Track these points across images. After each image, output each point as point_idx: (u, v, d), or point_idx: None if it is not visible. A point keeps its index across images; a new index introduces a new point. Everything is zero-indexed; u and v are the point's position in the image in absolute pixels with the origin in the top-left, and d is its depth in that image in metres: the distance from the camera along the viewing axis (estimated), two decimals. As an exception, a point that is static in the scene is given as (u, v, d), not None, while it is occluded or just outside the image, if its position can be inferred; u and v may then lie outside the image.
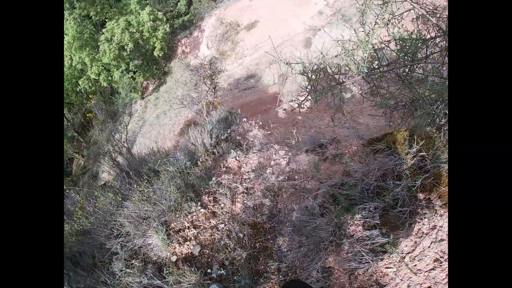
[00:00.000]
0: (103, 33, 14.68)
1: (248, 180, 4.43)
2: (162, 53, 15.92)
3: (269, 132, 5.54)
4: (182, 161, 4.85)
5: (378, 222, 3.13)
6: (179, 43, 18.76)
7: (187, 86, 6.02)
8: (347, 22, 12.71)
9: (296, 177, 4.18)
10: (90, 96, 16.53)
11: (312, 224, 3.43)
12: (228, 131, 5.41)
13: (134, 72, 17.12)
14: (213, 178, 4.57)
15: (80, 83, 15.67)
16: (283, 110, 7.37)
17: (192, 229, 4.10)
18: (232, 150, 4.90)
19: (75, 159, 18.79)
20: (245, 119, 5.82)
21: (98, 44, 14.63)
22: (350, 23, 12.55)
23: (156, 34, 15.36)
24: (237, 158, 4.85)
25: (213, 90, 6.48)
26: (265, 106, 9.48)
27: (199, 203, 4.30)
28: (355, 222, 3.25)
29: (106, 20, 15.50)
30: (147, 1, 16.47)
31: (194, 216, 4.20)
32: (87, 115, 16.63)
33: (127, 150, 7.20)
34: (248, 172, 4.55)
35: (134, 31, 14.83)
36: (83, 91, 16.17)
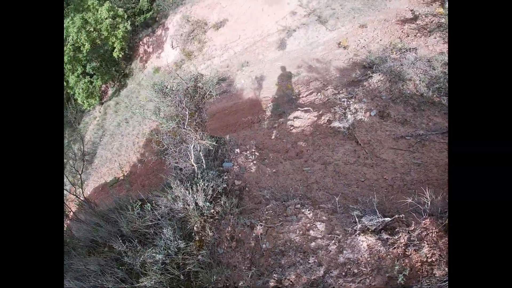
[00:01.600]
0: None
1: (278, 267, 2.95)
2: (122, 53, 13.96)
3: (274, 170, 4.16)
4: (172, 241, 3.26)
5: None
6: (140, 42, 16.79)
7: (157, 117, 4.14)
8: (324, 24, 11.72)
9: (356, 270, 2.79)
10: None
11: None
12: (224, 176, 3.92)
13: (92, 75, 15.00)
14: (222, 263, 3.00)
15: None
16: (275, 130, 6.00)
17: None
18: (235, 209, 3.38)
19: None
20: (237, 150, 4.38)
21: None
22: (327, 25, 11.57)
23: (116, 33, 13.39)
24: (250, 225, 3.37)
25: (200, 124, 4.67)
26: (244, 117, 8.02)
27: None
28: None
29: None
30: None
31: None
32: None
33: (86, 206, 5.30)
34: (274, 252, 3.06)
35: (92, 29, 12.77)
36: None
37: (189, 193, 3.57)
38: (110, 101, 15.62)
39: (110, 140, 13.48)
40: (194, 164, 4.13)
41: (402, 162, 4.54)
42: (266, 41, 12.99)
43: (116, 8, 13.49)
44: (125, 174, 10.56)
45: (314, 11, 12.77)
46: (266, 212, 3.48)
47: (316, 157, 4.82)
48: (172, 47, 15.35)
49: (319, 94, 7.20)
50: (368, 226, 2.99)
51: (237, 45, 13.49)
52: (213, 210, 3.74)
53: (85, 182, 12.87)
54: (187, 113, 4.00)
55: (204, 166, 4.12)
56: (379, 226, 3.00)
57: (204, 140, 4.17)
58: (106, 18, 12.71)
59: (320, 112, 5.90)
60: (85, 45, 12.64)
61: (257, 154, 4.80)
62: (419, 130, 5.00)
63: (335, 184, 4.23)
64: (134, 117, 13.54)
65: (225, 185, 3.91)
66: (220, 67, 12.69)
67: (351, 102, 5.73)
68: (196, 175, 3.97)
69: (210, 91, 4.17)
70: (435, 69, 5.96)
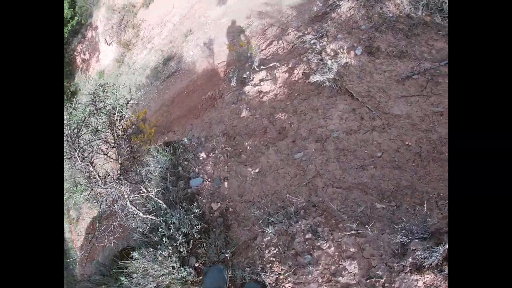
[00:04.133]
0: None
1: None
2: None
3: (257, 169, 2.74)
4: None
5: None
6: (75, 53, 14.26)
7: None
8: None
9: None
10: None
11: None
12: (195, 207, 2.49)
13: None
14: None
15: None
16: (243, 104, 4.37)
17: None
18: (225, 253, 2.08)
19: None
20: (203, 154, 2.91)
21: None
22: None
23: None
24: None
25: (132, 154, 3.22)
26: (205, 95, 6.33)
27: None
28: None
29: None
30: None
31: None
32: None
33: None
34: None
35: None
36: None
37: (156, 269, 2.20)
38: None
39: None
40: (148, 216, 2.69)
41: (421, 115, 3.14)
42: (203, 1, 10.77)
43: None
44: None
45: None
46: (268, 254, 2.14)
47: (305, 131, 3.39)
48: (107, 44, 12.95)
49: (280, 41, 5.51)
50: (422, 259, 1.71)
51: (173, 16, 11.25)
52: (197, 265, 2.38)
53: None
54: (91, 169, 2.48)
55: (164, 205, 2.69)
56: (438, 257, 1.73)
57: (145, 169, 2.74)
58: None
59: (290, 65, 4.32)
60: None
61: (229, 149, 3.37)
62: (424, 63, 3.55)
63: (344, 171, 2.88)
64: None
65: (199, 225, 2.51)
66: (163, 46, 10.63)
67: (324, 43, 4.14)
68: (158, 233, 2.56)
69: (120, 110, 2.65)
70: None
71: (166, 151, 4.00)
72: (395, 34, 3.92)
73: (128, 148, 3.00)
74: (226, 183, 3.14)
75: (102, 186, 2.63)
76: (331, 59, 3.78)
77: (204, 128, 4.85)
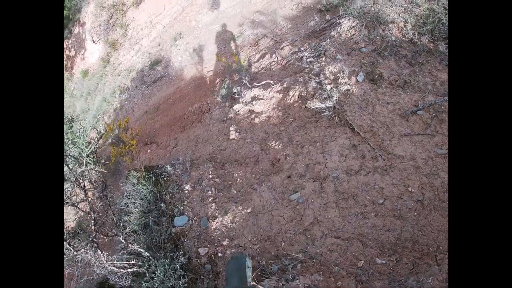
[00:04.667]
0: None
1: None
2: None
3: (248, 209, 2.33)
4: None
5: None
6: (58, 47, 13.50)
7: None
8: None
9: None
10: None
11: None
12: (180, 254, 2.07)
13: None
14: None
15: None
16: (232, 125, 3.90)
17: None
18: None
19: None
20: (188, 187, 2.49)
21: None
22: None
23: None
24: None
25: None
26: (191, 106, 5.84)
27: None
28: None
29: None
30: None
31: None
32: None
33: None
34: None
35: None
36: None
37: None
38: (47, 123, 12.80)
39: None
40: (130, 270, 2.22)
41: (425, 157, 2.82)
42: (196, 4, 10.30)
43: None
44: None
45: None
46: None
47: (302, 167, 3.00)
48: (94, 42, 12.27)
49: (274, 55, 5.12)
50: None
51: (164, 17, 10.73)
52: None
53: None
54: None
55: (147, 253, 2.23)
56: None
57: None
58: None
59: (284, 85, 3.91)
60: None
61: (217, 180, 2.95)
62: (428, 96, 3.23)
63: (344, 219, 2.52)
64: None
65: (185, 276, 2.07)
66: (151, 48, 10.08)
67: (323, 63, 3.74)
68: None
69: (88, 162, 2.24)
70: (419, 6, 3.99)
71: (147, 179, 3.50)
72: (398, 61, 3.60)
73: (101, 204, 2.55)
74: (214, 223, 2.72)
75: (73, 250, 2.15)
76: (330, 84, 3.40)
77: (189, 146, 4.39)
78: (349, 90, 3.36)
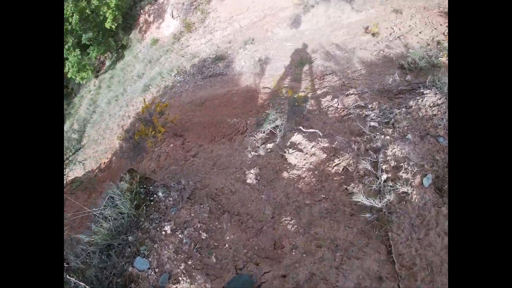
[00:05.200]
0: None
1: None
2: (116, 24, 11.41)
3: None
4: None
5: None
6: (142, 11, 14.01)
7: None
8: (349, 2, 8.68)
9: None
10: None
11: None
12: None
13: (88, 46, 12.55)
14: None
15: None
16: (256, 166, 3.39)
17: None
18: None
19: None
20: (167, 228, 2.12)
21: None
22: (353, 4, 8.53)
23: (107, 2, 10.76)
24: None
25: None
26: (232, 116, 5.47)
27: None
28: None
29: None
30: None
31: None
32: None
33: None
34: None
35: None
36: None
37: None
38: (106, 74, 13.33)
39: (99, 119, 11.38)
40: None
41: None
42: (277, 16, 10.07)
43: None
44: (98, 169, 8.50)
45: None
46: None
47: (305, 273, 2.35)
48: (173, 17, 12.56)
49: (335, 100, 4.61)
50: None
51: (244, 18, 10.62)
52: None
53: (73, 163, 11.15)
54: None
55: None
56: None
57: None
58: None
59: (333, 144, 3.33)
60: (72, 15, 10.20)
61: (204, 235, 2.50)
62: None
63: None
64: (125, 94, 11.24)
65: None
66: (222, 43, 9.98)
67: (387, 136, 3.12)
68: None
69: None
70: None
71: (135, 195, 3.06)
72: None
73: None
74: (173, 286, 2.25)
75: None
76: (387, 173, 2.73)
77: (205, 165, 4.01)
78: (407, 193, 2.71)
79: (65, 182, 7.92)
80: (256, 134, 4.22)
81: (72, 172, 10.14)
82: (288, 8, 10.03)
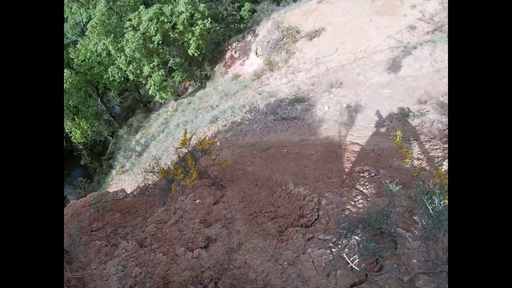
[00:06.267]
0: (130, 20, 10.62)
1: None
2: (198, 52, 11.50)
3: None
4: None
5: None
6: (229, 47, 14.18)
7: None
8: None
9: None
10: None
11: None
12: None
13: (173, 70, 13.15)
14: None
15: (109, 71, 11.82)
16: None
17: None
18: None
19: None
20: None
21: (124, 31, 10.67)
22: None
23: (193, 29, 10.93)
24: None
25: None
26: (296, 186, 3.83)
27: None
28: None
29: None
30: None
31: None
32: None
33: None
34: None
35: (165, 20, 10.56)
36: (111, 79, 12.47)
37: None
38: (185, 99, 13.51)
39: (164, 138, 11.19)
40: None
41: None
42: (371, 59, 8.68)
43: (198, 3, 10.94)
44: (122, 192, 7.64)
45: (442, 27, 7.99)
46: None
47: None
48: (257, 55, 12.21)
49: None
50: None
51: (331, 60, 9.49)
52: None
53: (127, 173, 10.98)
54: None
55: None
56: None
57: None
58: (183, 12, 10.32)
59: None
60: (156, 35, 10.51)
61: None
62: None
63: None
64: (195, 121, 10.86)
65: None
66: (304, 84, 8.92)
67: None
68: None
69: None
70: None
71: None
72: None
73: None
74: None
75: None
76: None
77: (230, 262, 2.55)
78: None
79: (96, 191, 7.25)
80: (337, 241, 2.48)
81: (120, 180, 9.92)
82: (384, 51, 8.57)
